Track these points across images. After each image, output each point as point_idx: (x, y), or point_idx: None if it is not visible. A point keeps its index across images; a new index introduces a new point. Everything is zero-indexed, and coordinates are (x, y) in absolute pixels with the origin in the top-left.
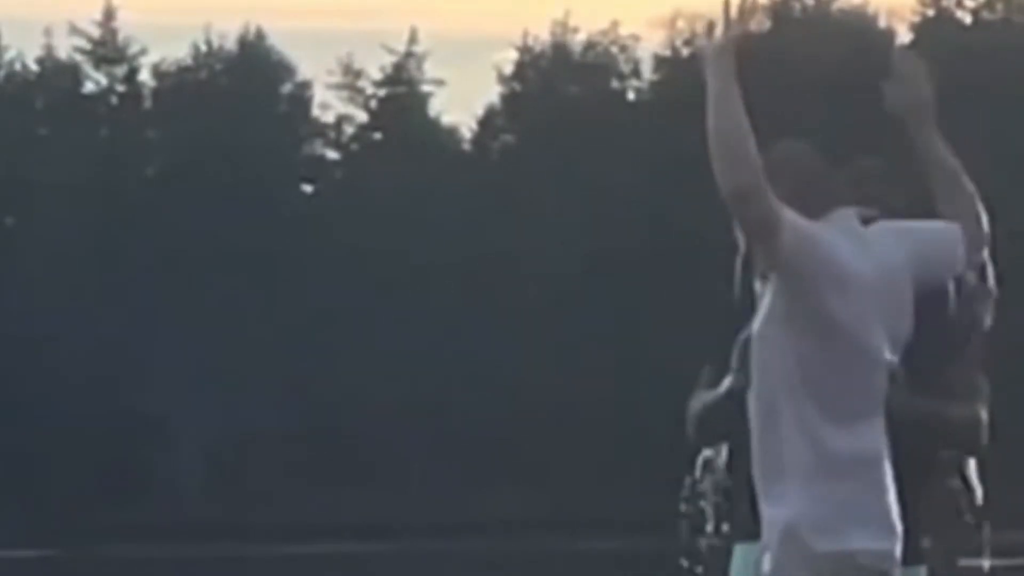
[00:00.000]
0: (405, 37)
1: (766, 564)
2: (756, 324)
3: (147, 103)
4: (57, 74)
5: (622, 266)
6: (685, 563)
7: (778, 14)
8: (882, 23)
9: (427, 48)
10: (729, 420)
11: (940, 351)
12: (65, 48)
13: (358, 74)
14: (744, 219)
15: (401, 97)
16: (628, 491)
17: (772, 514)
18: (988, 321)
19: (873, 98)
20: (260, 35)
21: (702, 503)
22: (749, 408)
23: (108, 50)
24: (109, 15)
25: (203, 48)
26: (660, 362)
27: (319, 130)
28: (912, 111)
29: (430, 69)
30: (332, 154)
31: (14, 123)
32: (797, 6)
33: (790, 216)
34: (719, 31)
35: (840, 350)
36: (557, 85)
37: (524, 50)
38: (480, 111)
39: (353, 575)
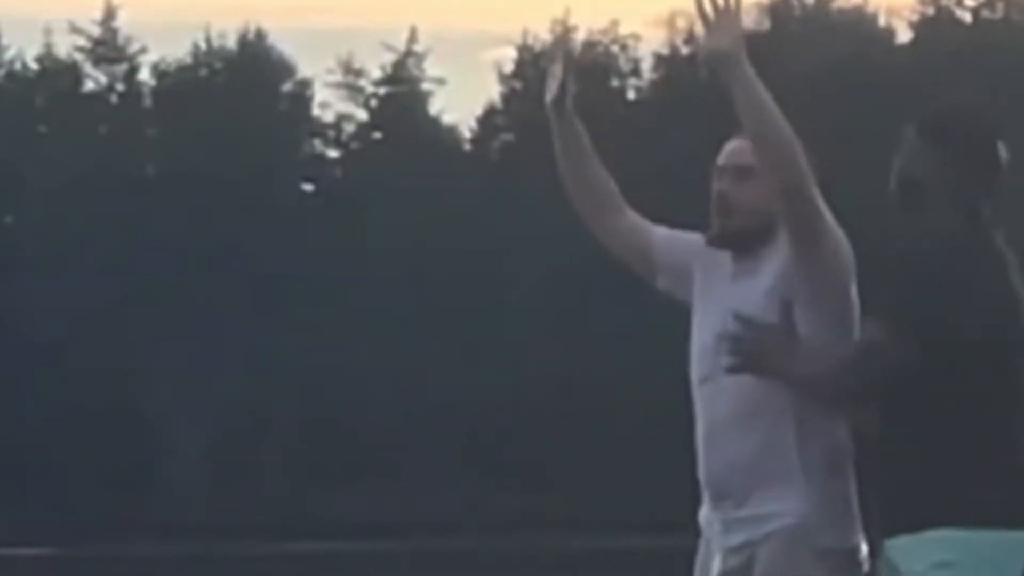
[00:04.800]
0: (405, 36)
1: (762, 562)
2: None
3: (147, 102)
4: (57, 73)
5: (622, 264)
6: None
7: (777, 14)
8: (882, 22)
9: (427, 47)
10: None
11: None
12: (65, 47)
13: (358, 73)
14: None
15: (401, 96)
16: (629, 490)
17: (769, 511)
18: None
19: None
20: (260, 34)
21: None
22: (725, 400)
23: (108, 49)
24: (109, 14)
25: (203, 47)
26: (660, 361)
27: (319, 129)
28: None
29: (430, 68)
30: (332, 153)
31: (14, 122)
32: (796, 5)
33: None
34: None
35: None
36: None
37: (524, 49)
38: (480, 110)
39: (353, 575)
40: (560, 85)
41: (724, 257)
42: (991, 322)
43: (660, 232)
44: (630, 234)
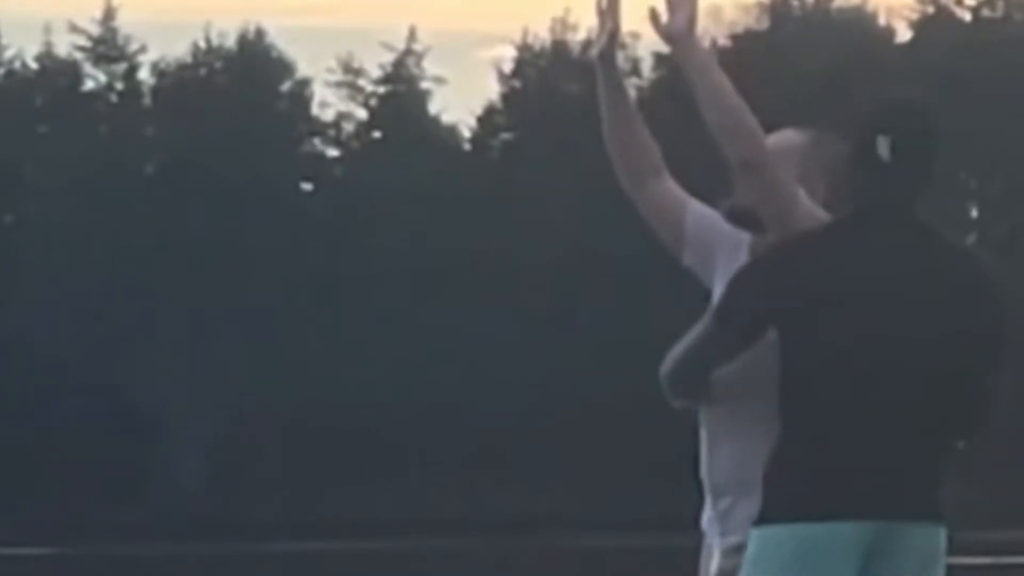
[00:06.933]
0: (404, 35)
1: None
2: None
3: (147, 101)
4: (57, 72)
5: (622, 263)
6: None
7: (777, 14)
8: (882, 21)
9: (426, 46)
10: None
11: None
12: (65, 46)
13: (358, 72)
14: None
15: (401, 95)
16: (629, 489)
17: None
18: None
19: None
20: (260, 33)
21: None
22: (727, 399)
23: (108, 48)
24: (109, 13)
25: (203, 46)
26: (660, 361)
27: (319, 128)
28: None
29: (429, 67)
30: (332, 152)
31: (14, 121)
32: (796, 5)
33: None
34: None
35: None
36: (557, 83)
37: (524, 48)
38: (480, 109)
39: (353, 574)
40: (610, 37)
41: (742, 251)
42: (759, 316)
43: (695, 206)
44: (667, 201)
